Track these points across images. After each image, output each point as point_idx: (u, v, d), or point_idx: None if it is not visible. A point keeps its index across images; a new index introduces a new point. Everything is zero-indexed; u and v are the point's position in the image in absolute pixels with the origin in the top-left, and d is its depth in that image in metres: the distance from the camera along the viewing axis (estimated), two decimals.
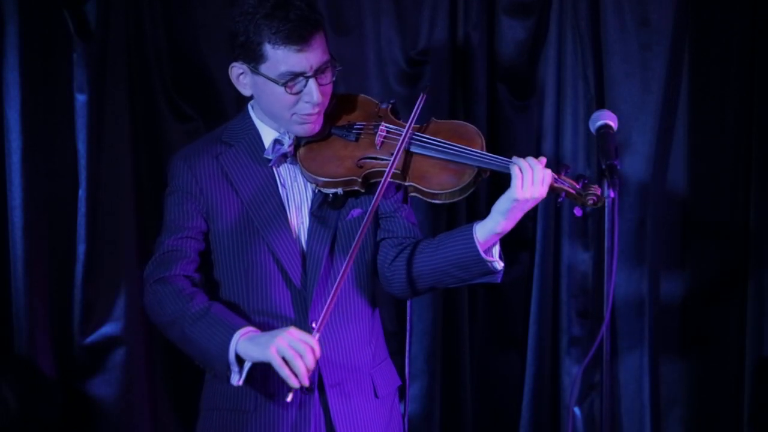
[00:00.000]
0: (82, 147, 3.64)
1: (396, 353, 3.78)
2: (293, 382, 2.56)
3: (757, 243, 3.71)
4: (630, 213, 3.74)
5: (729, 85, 3.73)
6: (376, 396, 2.83)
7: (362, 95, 2.88)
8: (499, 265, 2.73)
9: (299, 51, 2.66)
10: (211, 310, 2.69)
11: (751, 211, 3.71)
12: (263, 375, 2.72)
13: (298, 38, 2.65)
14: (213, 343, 2.64)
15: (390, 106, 2.84)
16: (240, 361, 2.63)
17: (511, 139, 3.80)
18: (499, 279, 2.76)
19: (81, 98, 3.64)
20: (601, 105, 3.71)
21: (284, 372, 2.56)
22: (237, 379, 2.64)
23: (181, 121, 3.73)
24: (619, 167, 2.60)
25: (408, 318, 3.13)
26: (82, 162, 3.64)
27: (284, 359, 2.56)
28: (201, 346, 2.66)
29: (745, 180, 3.72)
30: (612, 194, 2.58)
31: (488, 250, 2.71)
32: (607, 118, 2.78)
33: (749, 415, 3.73)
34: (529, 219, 3.80)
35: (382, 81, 3.76)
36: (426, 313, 3.79)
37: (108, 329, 3.68)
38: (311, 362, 2.56)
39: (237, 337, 2.62)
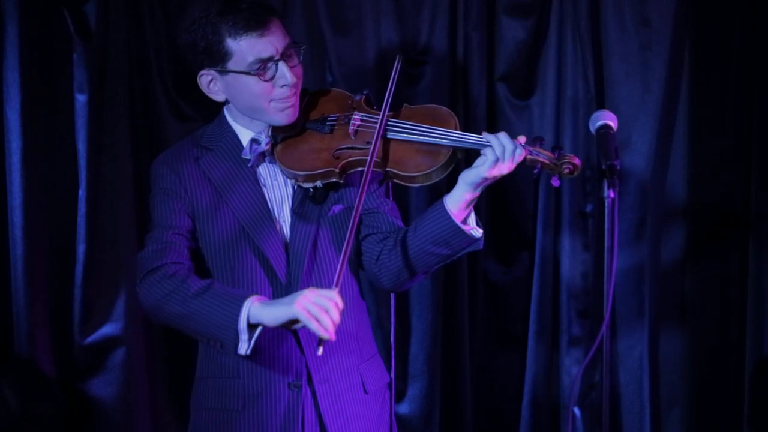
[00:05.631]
0: (82, 147, 3.64)
1: (395, 353, 3.79)
2: (323, 333, 2.54)
3: (757, 243, 3.71)
4: (630, 213, 3.74)
5: (729, 85, 3.72)
6: (365, 392, 2.84)
7: (335, 89, 2.89)
8: (478, 232, 2.74)
9: (261, 36, 2.69)
10: (214, 286, 2.68)
11: (751, 210, 3.71)
12: (250, 373, 2.74)
13: (256, 24, 2.68)
14: (220, 312, 2.63)
15: (363, 97, 2.85)
16: (250, 329, 2.62)
17: None
18: (481, 245, 2.76)
19: (81, 98, 3.63)
20: (601, 105, 3.71)
21: (313, 325, 2.55)
22: (246, 348, 2.63)
23: (181, 121, 3.73)
24: (619, 167, 2.61)
25: (392, 316, 3.11)
26: (82, 162, 3.64)
27: (310, 313, 2.55)
28: (205, 317, 2.64)
29: (745, 180, 3.72)
30: (612, 194, 2.59)
31: (465, 221, 2.72)
32: (607, 118, 2.78)
33: (749, 415, 3.73)
34: (529, 219, 3.80)
35: (382, 81, 3.75)
36: (426, 313, 3.79)
37: (108, 329, 3.69)
38: (336, 316, 2.55)
39: (248, 303, 2.62)
